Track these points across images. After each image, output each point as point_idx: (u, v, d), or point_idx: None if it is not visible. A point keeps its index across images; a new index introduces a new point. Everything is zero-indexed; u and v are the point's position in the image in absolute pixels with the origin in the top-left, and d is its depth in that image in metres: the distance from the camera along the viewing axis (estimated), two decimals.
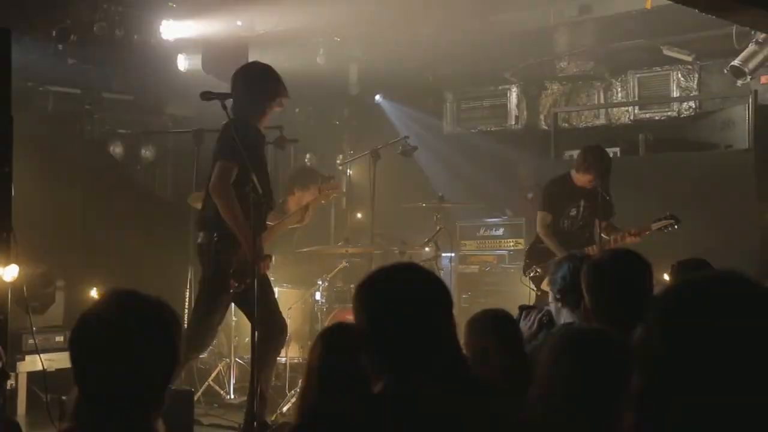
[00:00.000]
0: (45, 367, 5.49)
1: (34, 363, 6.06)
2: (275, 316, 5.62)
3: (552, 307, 4.05)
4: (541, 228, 7.23)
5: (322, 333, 2.99)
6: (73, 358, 2.17)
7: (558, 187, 7.27)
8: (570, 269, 3.90)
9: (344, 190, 11.05)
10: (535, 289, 7.18)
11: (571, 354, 2.29)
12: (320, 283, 7.31)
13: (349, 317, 7.18)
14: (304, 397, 2.86)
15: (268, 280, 5.65)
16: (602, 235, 7.06)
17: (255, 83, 5.60)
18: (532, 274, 7.22)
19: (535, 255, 7.27)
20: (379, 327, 2.24)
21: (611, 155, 8.02)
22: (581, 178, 7.07)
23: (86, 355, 2.16)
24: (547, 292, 6.80)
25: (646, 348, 1.52)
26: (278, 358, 7.07)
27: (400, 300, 2.25)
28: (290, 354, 7.01)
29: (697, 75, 9.43)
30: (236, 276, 5.32)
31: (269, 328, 5.39)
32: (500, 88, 10.73)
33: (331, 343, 2.86)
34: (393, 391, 2.17)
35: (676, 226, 6.84)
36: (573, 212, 7.18)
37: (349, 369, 2.74)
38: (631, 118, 9.92)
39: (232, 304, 5.87)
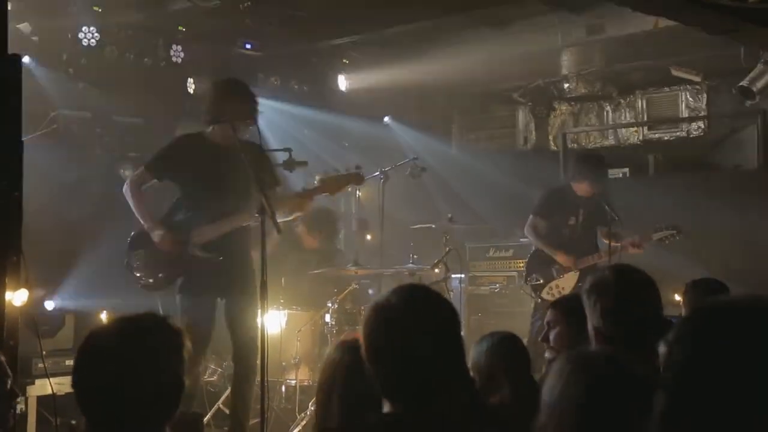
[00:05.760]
0: (54, 391, 5.47)
1: (43, 387, 6.04)
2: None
3: None
4: (529, 229, 7.34)
5: (335, 349, 2.97)
6: (77, 389, 2.16)
7: (557, 195, 7.40)
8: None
9: (354, 211, 11.06)
10: (534, 296, 7.32)
11: (580, 378, 2.24)
12: (330, 305, 7.30)
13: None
14: (318, 416, 2.85)
15: (246, 295, 5.53)
16: (603, 240, 7.12)
17: (218, 98, 5.60)
18: (532, 283, 7.33)
19: (536, 263, 7.36)
20: (386, 352, 2.22)
21: (620, 176, 8.03)
22: (578, 187, 7.18)
23: (90, 385, 2.16)
24: (546, 300, 6.90)
25: (672, 369, 1.51)
26: (288, 381, 7.08)
27: (407, 325, 2.22)
28: (300, 376, 6.99)
29: (705, 95, 9.42)
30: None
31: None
32: (509, 108, 10.75)
33: (342, 360, 2.85)
34: (398, 417, 2.16)
35: (677, 237, 6.86)
36: (572, 221, 7.27)
37: (361, 386, 2.73)
38: (640, 138, 9.91)
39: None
